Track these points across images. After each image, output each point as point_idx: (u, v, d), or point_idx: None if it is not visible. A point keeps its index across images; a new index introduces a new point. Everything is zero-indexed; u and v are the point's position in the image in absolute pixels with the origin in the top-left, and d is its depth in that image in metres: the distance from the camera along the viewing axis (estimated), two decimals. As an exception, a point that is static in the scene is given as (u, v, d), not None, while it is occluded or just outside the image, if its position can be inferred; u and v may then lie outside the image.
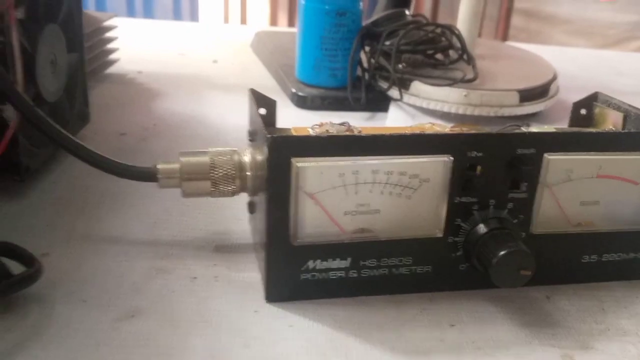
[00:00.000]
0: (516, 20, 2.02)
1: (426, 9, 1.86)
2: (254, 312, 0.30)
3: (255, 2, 2.06)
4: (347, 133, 0.32)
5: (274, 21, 2.06)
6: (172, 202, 0.39)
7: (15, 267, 0.29)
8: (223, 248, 0.35)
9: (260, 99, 0.33)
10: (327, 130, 0.33)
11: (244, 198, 0.35)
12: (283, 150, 0.28)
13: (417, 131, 0.33)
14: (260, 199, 0.31)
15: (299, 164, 0.28)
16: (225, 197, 0.34)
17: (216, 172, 0.33)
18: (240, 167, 0.33)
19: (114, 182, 0.35)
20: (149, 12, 1.91)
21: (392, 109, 0.57)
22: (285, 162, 0.28)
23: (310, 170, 0.29)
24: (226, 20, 2.07)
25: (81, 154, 0.33)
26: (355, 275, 0.31)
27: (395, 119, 0.55)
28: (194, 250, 0.35)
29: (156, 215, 0.38)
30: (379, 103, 0.57)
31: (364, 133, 0.31)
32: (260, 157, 0.31)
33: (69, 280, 0.31)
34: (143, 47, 0.75)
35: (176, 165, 0.33)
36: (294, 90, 0.59)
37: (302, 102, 0.58)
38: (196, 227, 0.37)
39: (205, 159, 0.33)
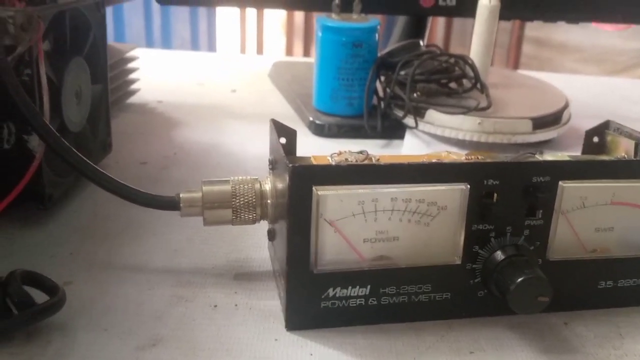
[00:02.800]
0: (527, 48, 2.03)
1: (438, 38, 1.88)
2: (274, 340, 0.30)
3: (271, 33, 2.10)
4: (366, 161, 0.33)
5: (289, 51, 2.10)
6: (193, 230, 0.39)
7: (38, 296, 0.30)
8: (243, 276, 0.36)
9: (280, 129, 0.34)
10: (346, 159, 0.33)
11: (263, 226, 0.35)
12: (304, 178, 0.29)
13: (434, 159, 0.34)
14: (281, 227, 0.32)
15: (320, 192, 0.29)
16: (246, 225, 0.34)
17: (237, 201, 0.33)
18: (261, 195, 0.34)
19: (136, 210, 0.36)
20: (167, 43, 1.95)
21: (408, 136, 0.57)
22: (307, 190, 0.29)
23: (331, 198, 0.29)
24: (243, 50, 2.10)
25: (105, 184, 0.34)
26: (374, 302, 0.31)
27: (411, 147, 0.56)
28: (214, 278, 0.35)
29: (177, 243, 0.38)
30: (394, 131, 0.58)
31: (382, 161, 0.32)
32: (281, 186, 0.31)
33: (91, 309, 0.32)
34: (163, 77, 0.77)
35: (198, 194, 0.34)
36: (311, 118, 0.59)
37: (319, 130, 0.59)
38: (217, 255, 0.37)
39: (226, 187, 0.34)
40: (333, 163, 0.32)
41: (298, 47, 2.11)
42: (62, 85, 0.39)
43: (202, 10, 2.01)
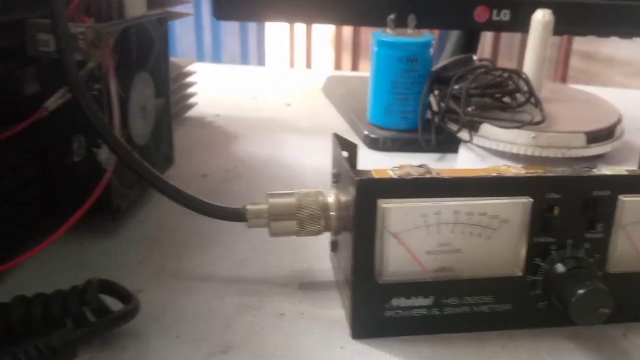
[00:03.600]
0: (575, 62, 1.99)
1: (486, 52, 1.86)
2: (340, 348, 0.31)
3: (319, 47, 2.13)
4: (427, 175, 0.33)
5: (338, 65, 2.12)
6: (256, 241, 0.41)
7: (111, 303, 0.31)
8: (307, 285, 0.37)
9: (343, 143, 0.35)
10: (408, 172, 0.34)
11: (325, 237, 0.36)
12: (370, 191, 0.30)
13: (495, 173, 0.34)
14: (345, 238, 0.33)
15: (385, 205, 0.30)
16: (310, 236, 0.35)
17: (302, 213, 0.35)
18: (325, 207, 0.35)
19: (199, 221, 0.38)
20: (217, 57, 2.00)
21: (462, 150, 0.58)
22: (372, 203, 0.30)
23: (395, 211, 0.30)
24: (292, 64, 2.14)
25: (175, 195, 0.35)
26: (437, 312, 0.32)
27: (466, 160, 0.56)
28: (279, 288, 0.36)
29: (242, 253, 0.40)
30: (448, 145, 0.58)
31: (445, 175, 0.32)
32: (345, 198, 0.32)
33: (162, 316, 0.33)
34: (218, 91, 0.79)
35: (264, 206, 0.35)
36: (366, 132, 0.60)
37: (374, 144, 0.59)
38: (281, 265, 0.39)
39: (292, 200, 0.35)
40: (395, 176, 0.33)
41: (346, 61, 2.13)
42: (128, 100, 0.41)
43: (252, 25, 2.05)
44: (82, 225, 0.36)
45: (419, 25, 0.59)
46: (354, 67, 2.12)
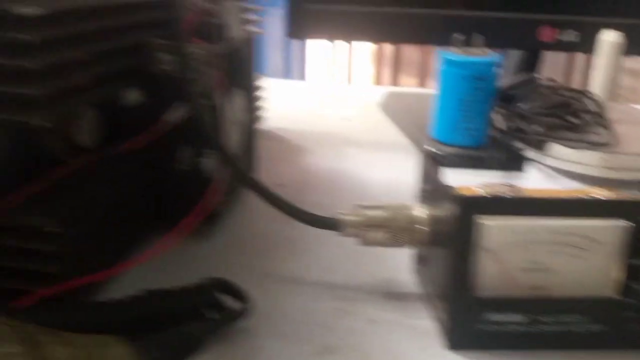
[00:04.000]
0: (624, 80, 1.97)
1: (559, 74, 1.86)
2: (435, 357, 0.32)
3: (360, 62, 2.15)
4: (518, 194, 0.35)
5: (378, 80, 2.14)
6: (340, 249, 0.43)
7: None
8: (393, 295, 0.38)
9: (434, 160, 0.36)
10: (496, 190, 0.35)
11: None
12: (469, 208, 0.31)
13: (585, 195, 0.35)
14: (439, 252, 0.34)
15: (484, 222, 0.31)
16: (398, 247, 0.37)
17: (393, 225, 0.36)
18: (415, 221, 0.37)
19: (286, 228, 0.40)
20: (260, 70, 2.03)
21: (529, 169, 0.59)
22: (470, 219, 0.31)
23: (492, 228, 0.32)
24: (332, 78, 2.17)
25: (277, 203, 0.38)
26: (531, 329, 0.33)
27: (533, 179, 0.57)
28: (367, 295, 0.38)
29: (328, 260, 0.42)
30: (514, 163, 0.59)
31: (541, 195, 0.33)
32: (438, 213, 0.34)
33: (267, 316, 0.35)
34: (282, 106, 0.82)
35: (358, 217, 0.37)
36: (430, 148, 0.62)
37: (439, 160, 0.61)
38: (365, 273, 0.40)
39: (384, 212, 0.37)
40: (484, 194, 0.35)
41: (386, 76, 2.15)
42: (226, 114, 0.44)
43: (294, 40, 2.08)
44: (183, 228, 0.39)
45: (485, 44, 0.61)
46: (394, 82, 2.14)
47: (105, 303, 0.32)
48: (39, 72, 0.27)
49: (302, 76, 2.13)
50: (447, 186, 0.33)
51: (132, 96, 0.37)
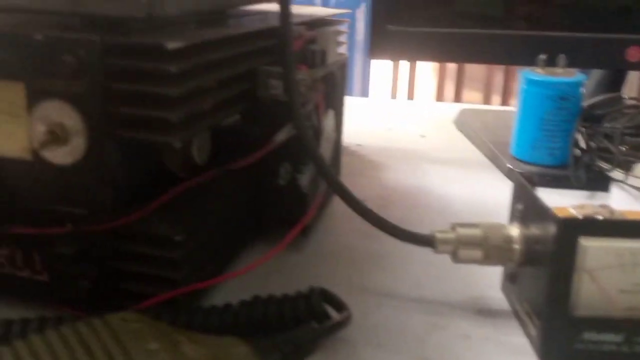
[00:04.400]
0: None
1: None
2: (531, 372, 0.34)
3: (422, 78, 2.16)
4: (615, 216, 0.36)
5: (439, 95, 2.14)
6: (426, 265, 0.44)
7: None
8: (484, 312, 0.39)
9: (529, 181, 0.38)
10: (594, 212, 0.36)
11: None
12: (571, 229, 0.32)
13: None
14: (535, 271, 0.35)
15: (585, 243, 0.32)
16: (491, 265, 0.38)
17: (488, 243, 0.38)
18: (509, 240, 0.38)
19: (373, 242, 0.42)
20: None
21: (615, 190, 0.58)
22: (572, 240, 0.32)
23: (593, 250, 0.33)
24: (394, 95, 2.18)
25: (372, 218, 0.40)
26: (627, 349, 0.34)
27: (619, 200, 0.57)
28: (460, 311, 0.39)
29: (416, 276, 0.43)
30: (598, 183, 0.59)
31: (628, 216, 0.34)
32: (535, 233, 0.35)
33: (361, 326, 0.37)
34: (355, 122, 0.84)
35: (452, 235, 0.38)
36: (510, 166, 0.63)
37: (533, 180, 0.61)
38: (455, 289, 0.42)
39: (478, 230, 0.38)
40: (579, 215, 0.36)
41: (449, 91, 2.15)
42: (322, 133, 0.47)
43: (357, 56, 2.11)
44: (274, 238, 0.41)
45: (569, 65, 0.61)
46: (457, 97, 2.13)
47: (216, 307, 0.35)
48: (177, 98, 0.30)
49: (365, 93, 2.15)
50: (546, 207, 0.34)
51: (245, 119, 0.40)
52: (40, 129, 0.33)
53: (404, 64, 2.15)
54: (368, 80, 2.14)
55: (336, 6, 2.01)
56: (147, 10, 0.30)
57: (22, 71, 0.32)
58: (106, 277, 0.35)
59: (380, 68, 2.13)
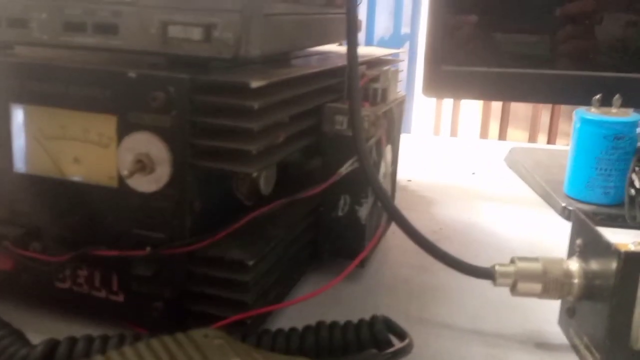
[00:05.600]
0: None
1: None
2: (594, 405, 0.34)
3: (466, 115, 2.16)
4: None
5: (484, 133, 2.14)
6: (483, 298, 0.45)
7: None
8: (542, 345, 0.40)
9: (588, 218, 0.38)
10: (654, 249, 0.37)
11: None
12: (634, 264, 0.33)
13: None
14: (595, 305, 0.36)
15: (647, 278, 0.33)
16: (550, 299, 0.39)
17: (547, 277, 0.38)
18: (569, 274, 0.38)
19: (430, 275, 0.43)
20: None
21: (670, 229, 0.58)
22: (634, 274, 0.33)
23: (654, 284, 0.33)
24: (436, 132, 2.19)
25: (433, 251, 0.41)
26: (691, 385, 0.34)
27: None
28: (518, 344, 0.40)
29: (473, 309, 0.44)
30: (653, 222, 0.59)
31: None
32: (595, 267, 0.36)
33: (421, 356, 0.38)
34: (403, 158, 0.86)
35: (512, 268, 0.39)
36: (564, 204, 0.63)
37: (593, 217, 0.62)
38: (512, 323, 0.42)
39: (537, 265, 0.39)
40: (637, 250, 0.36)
41: (494, 129, 2.14)
42: (381, 166, 0.49)
43: (402, 92, 2.14)
44: (335, 270, 0.43)
45: (624, 104, 0.62)
46: (501, 135, 2.12)
47: (282, 330, 0.37)
48: (257, 132, 0.33)
49: (407, 129, 2.18)
50: (608, 242, 0.35)
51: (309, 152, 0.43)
52: (129, 159, 0.36)
53: (447, 102, 2.17)
54: (411, 117, 2.16)
55: (379, 45, 2.06)
56: (234, 51, 0.33)
57: (115, 105, 0.35)
58: (179, 298, 0.37)
59: (424, 105, 2.15)
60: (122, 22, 0.35)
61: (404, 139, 1.00)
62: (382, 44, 2.08)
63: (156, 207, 0.36)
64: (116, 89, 0.35)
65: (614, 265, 0.33)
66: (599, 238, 0.36)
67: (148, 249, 0.37)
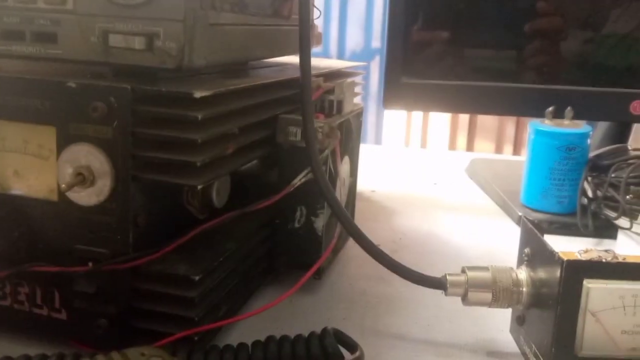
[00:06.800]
0: None
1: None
2: (541, 414, 0.34)
3: (435, 127, 2.19)
4: (617, 259, 0.36)
5: (452, 144, 2.16)
6: (436, 309, 0.45)
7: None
8: (494, 354, 0.40)
9: (535, 227, 0.39)
10: (598, 256, 0.37)
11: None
12: (577, 272, 0.33)
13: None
14: (542, 313, 0.36)
15: (590, 285, 0.33)
16: (500, 308, 0.39)
17: (497, 286, 0.39)
18: (517, 283, 0.39)
19: (385, 285, 0.43)
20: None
21: (621, 237, 0.59)
22: (578, 283, 0.33)
23: (597, 291, 0.33)
24: (407, 143, 2.21)
25: (386, 261, 0.41)
26: (632, 389, 0.34)
27: (626, 247, 0.58)
28: (469, 353, 0.40)
29: (427, 318, 0.44)
30: (604, 230, 0.60)
31: (629, 260, 0.35)
32: (541, 276, 0.36)
33: (373, 367, 0.38)
34: (369, 169, 0.86)
35: (462, 278, 0.39)
36: (520, 214, 0.64)
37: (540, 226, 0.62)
38: (465, 332, 0.42)
39: (488, 274, 0.39)
40: (589, 259, 0.37)
41: (462, 141, 2.17)
42: (337, 177, 0.48)
43: (371, 105, 2.16)
44: (289, 281, 0.42)
45: (576, 117, 0.63)
46: (469, 147, 2.15)
47: (230, 346, 0.36)
48: (201, 143, 0.32)
49: (378, 140, 2.19)
50: (553, 250, 0.35)
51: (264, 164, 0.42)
52: (68, 171, 0.35)
53: (417, 114, 2.19)
54: (382, 128, 2.18)
55: (351, 58, 2.08)
56: (178, 61, 0.32)
57: (54, 116, 0.34)
58: (124, 315, 0.36)
59: (394, 117, 2.17)
60: (61, 31, 0.34)
61: (372, 150, 1.00)
62: (354, 57, 2.10)
63: (98, 222, 0.35)
64: (56, 99, 0.34)
65: (557, 273, 0.34)
66: (544, 247, 0.36)
67: (90, 264, 0.36)
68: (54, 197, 0.35)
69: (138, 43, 0.33)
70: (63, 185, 0.33)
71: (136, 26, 0.33)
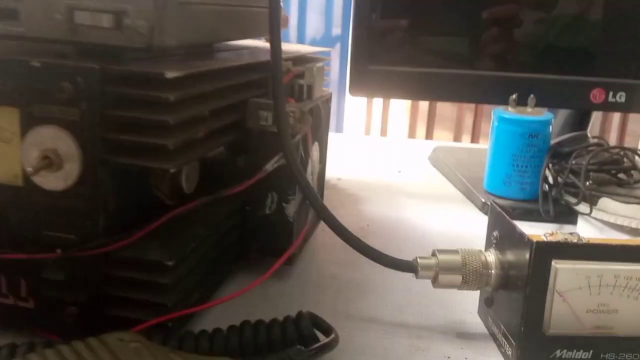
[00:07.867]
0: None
1: (613, 137, 1.93)
2: (511, 391, 0.35)
3: (395, 116, 2.21)
4: (582, 241, 0.38)
5: (412, 133, 2.19)
6: (406, 292, 0.46)
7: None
8: (463, 335, 0.41)
9: (503, 211, 0.40)
10: (565, 239, 0.38)
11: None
12: (545, 253, 0.34)
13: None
14: (510, 295, 0.37)
15: (558, 266, 0.34)
16: (469, 290, 0.40)
17: (467, 269, 0.39)
18: (486, 265, 0.40)
19: (356, 270, 0.44)
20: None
21: (581, 222, 0.61)
22: (547, 263, 0.34)
23: (564, 272, 0.35)
24: (367, 132, 2.22)
25: (358, 245, 0.41)
26: (596, 366, 0.35)
27: (585, 232, 0.59)
28: (440, 335, 0.41)
29: (397, 302, 0.45)
30: (565, 216, 0.62)
31: (609, 242, 0.36)
32: (510, 258, 0.37)
33: (347, 349, 0.38)
34: (335, 156, 0.86)
35: (433, 261, 0.40)
36: (483, 200, 0.65)
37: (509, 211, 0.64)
38: (435, 314, 0.43)
39: (457, 257, 0.40)
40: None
41: (421, 130, 2.20)
42: (309, 164, 0.48)
43: (332, 92, 2.16)
44: (262, 269, 0.42)
45: (538, 104, 0.65)
46: (428, 135, 2.19)
47: (205, 331, 0.36)
48: (174, 125, 0.32)
49: (339, 129, 2.20)
50: (522, 233, 0.36)
51: (234, 148, 0.42)
52: (34, 155, 0.33)
53: (377, 102, 2.20)
54: (342, 116, 2.19)
55: (311, 45, 2.07)
56: (147, 40, 0.31)
57: (17, 97, 0.33)
58: (94, 303, 0.35)
59: (354, 105, 2.18)
60: (23, 7, 0.32)
61: (336, 138, 1.01)
62: (314, 44, 2.08)
63: (66, 207, 0.34)
64: (18, 79, 0.33)
65: (527, 255, 0.35)
66: (513, 230, 0.37)
67: (58, 251, 0.35)
68: (19, 182, 0.34)
69: (106, 21, 0.32)
70: (29, 169, 0.32)
71: (104, 3, 0.32)
